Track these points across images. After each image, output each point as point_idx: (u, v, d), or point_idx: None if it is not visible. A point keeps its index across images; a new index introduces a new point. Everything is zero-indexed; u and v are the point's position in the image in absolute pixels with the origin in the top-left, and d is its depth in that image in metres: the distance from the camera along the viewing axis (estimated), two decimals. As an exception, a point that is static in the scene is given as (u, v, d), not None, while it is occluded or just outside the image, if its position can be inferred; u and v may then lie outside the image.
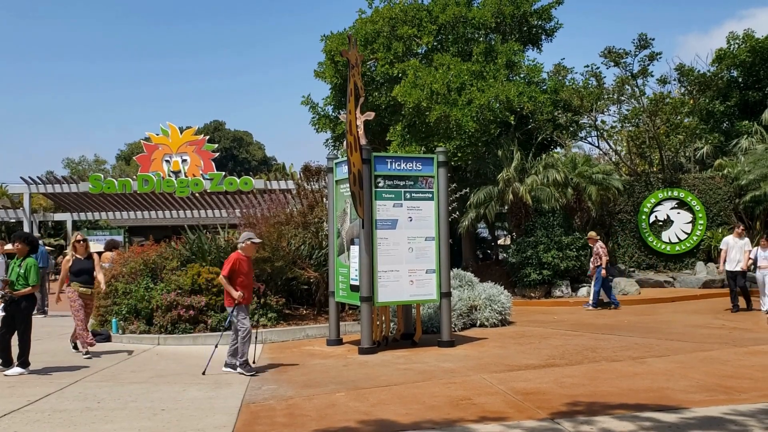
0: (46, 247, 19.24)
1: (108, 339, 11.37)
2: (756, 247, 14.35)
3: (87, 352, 9.79)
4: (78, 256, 10.02)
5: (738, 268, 14.30)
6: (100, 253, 11.04)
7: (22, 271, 8.55)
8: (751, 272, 14.78)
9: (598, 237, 16.54)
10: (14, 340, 8.64)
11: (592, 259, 15.92)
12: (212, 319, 11.23)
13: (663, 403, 6.33)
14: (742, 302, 14.55)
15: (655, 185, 20.86)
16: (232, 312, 8.59)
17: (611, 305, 15.45)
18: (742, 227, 14.90)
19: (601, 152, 24.81)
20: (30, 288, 8.53)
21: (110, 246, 15.03)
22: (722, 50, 22.27)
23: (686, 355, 9.12)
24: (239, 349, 8.51)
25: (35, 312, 14.20)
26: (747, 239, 14.66)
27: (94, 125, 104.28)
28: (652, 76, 21.18)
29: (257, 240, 9.14)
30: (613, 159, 24.56)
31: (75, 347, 10.22)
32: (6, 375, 8.35)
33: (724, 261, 14.51)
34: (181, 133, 28.84)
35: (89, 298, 10.11)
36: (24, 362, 8.53)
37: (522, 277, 17.97)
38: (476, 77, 18.72)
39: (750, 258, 14.24)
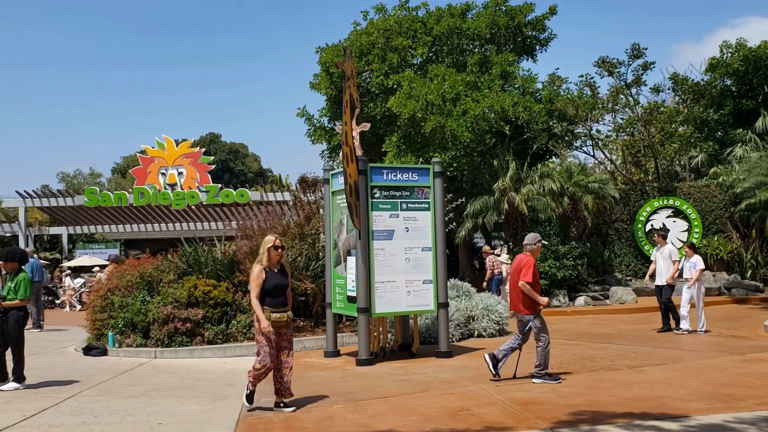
0: (42, 261, 19.15)
1: (104, 353, 11.31)
2: (683, 258, 12.96)
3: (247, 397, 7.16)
4: (271, 267, 7.20)
5: (662, 282, 12.70)
6: (103, 267, 11.03)
7: (12, 285, 8.53)
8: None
9: (491, 251, 18.14)
10: (9, 355, 8.59)
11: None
12: (209, 331, 11.18)
13: (662, 412, 6.32)
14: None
15: (650, 194, 20.94)
16: (533, 320, 8.14)
17: None
18: (658, 235, 13.44)
19: (596, 161, 24.94)
20: (18, 301, 8.48)
21: (114, 261, 15.06)
22: (715, 59, 22.43)
23: (684, 363, 9.12)
24: (541, 360, 8.07)
25: (31, 327, 14.20)
26: (671, 247, 12.97)
27: (89, 138, 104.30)
28: (646, 85, 21.37)
29: (544, 241, 8.76)
30: (609, 168, 24.67)
31: (280, 405, 7.07)
32: (1, 390, 8.29)
33: (651, 275, 13.19)
34: (176, 145, 28.87)
35: (285, 327, 7.10)
36: (19, 377, 8.48)
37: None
38: (471, 88, 18.80)
39: (677, 269, 12.69)
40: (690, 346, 10.68)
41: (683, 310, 12.41)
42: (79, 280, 25.19)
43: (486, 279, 17.33)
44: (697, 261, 12.55)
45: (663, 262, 12.74)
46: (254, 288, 7.05)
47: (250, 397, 7.12)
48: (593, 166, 25.56)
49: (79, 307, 23.80)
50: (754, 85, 22.23)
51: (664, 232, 14.00)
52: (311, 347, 11.38)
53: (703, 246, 19.95)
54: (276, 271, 7.17)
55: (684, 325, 12.29)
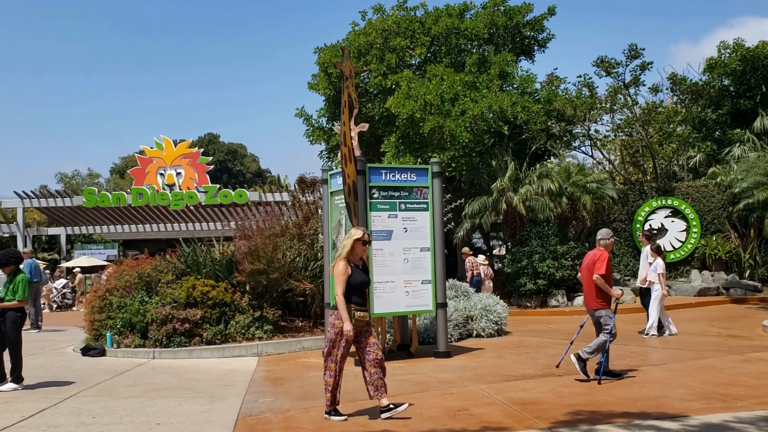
0: (40, 262, 19.13)
1: (102, 353, 11.30)
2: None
3: (331, 412, 6.57)
4: (354, 262, 6.65)
5: (643, 285, 12.40)
6: (103, 267, 11.00)
7: (11, 286, 8.51)
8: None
9: (471, 253, 18.26)
10: (7, 356, 8.58)
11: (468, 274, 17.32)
12: (208, 332, 11.18)
13: (661, 412, 6.32)
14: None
15: (649, 194, 20.94)
16: (605, 313, 8.02)
17: None
18: (643, 235, 13.26)
19: (594, 161, 24.94)
20: (16, 302, 8.47)
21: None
22: (713, 59, 22.44)
23: (682, 363, 9.12)
24: (594, 348, 7.93)
25: (29, 327, 14.18)
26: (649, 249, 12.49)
27: (88, 139, 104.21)
28: (644, 85, 21.37)
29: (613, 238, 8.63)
30: (607, 168, 24.68)
31: (332, 413, 6.57)
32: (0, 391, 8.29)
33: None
34: (175, 146, 28.88)
35: (366, 325, 6.58)
36: (17, 378, 8.47)
37: (518, 286, 17.97)
38: (469, 88, 18.80)
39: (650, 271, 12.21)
40: (689, 346, 10.68)
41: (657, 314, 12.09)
42: (61, 281, 25.25)
43: (468, 280, 17.43)
44: (658, 265, 12.15)
45: (642, 263, 12.58)
46: (340, 284, 6.46)
47: (333, 412, 6.49)
48: (591, 166, 25.58)
49: (54, 306, 23.88)
50: (752, 85, 22.24)
51: (648, 232, 13.79)
52: (310, 347, 11.38)
53: (701, 246, 19.96)
54: (359, 267, 6.66)
55: (672, 329, 12.01)
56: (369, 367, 6.47)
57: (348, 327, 6.33)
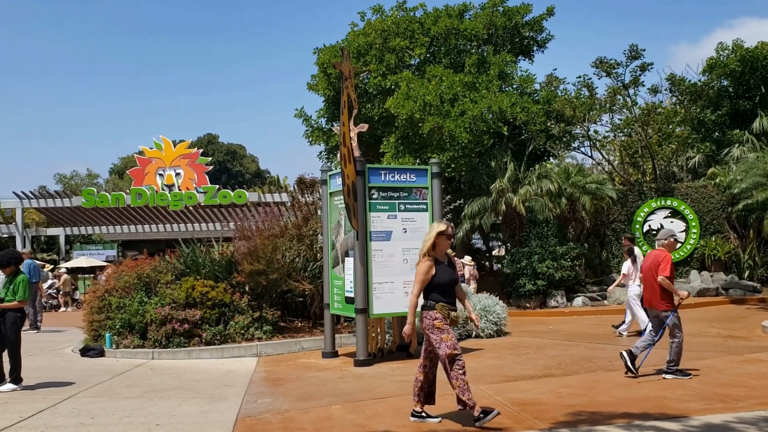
0: (38, 262, 19.11)
1: (101, 354, 11.28)
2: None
3: (480, 415, 5.91)
4: (439, 258, 6.18)
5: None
6: (102, 268, 10.93)
7: (11, 287, 8.51)
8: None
9: (454, 254, 18.17)
10: (6, 356, 8.56)
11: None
12: (207, 332, 11.17)
13: (662, 412, 6.31)
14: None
15: (648, 194, 20.94)
16: (671, 315, 8.02)
17: None
18: (625, 238, 13.51)
19: (594, 162, 24.93)
20: (16, 302, 8.46)
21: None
22: (712, 59, 22.44)
23: (682, 363, 9.09)
24: (674, 356, 7.93)
25: (28, 328, 14.16)
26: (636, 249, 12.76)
27: (87, 139, 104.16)
28: (644, 86, 21.35)
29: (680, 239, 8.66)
30: (606, 169, 24.66)
31: (419, 415, 6.31)
32: (-2, 391, 8.28)
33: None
34: (174, 146, 28.85)
35: (455, 326, 6.32)
36: (16, 378, 8.45)
37: (517, 287, 17.97)
38: (469, 88, 18.80)
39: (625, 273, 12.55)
40: (688, 346, 10.63)
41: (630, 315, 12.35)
42: (48, 282, 25.19)
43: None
44: (623, 266, 12.62)
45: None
46: (419, 283, 6.01)
47: (483, 414, 5.86)
48: (591, 166, 25.55)
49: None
50: (751, 86, 22.25)
51: (631, 235, 13.83)
52: (309, 348, 11.37)
53: (700, 246, 19.96)
54: (445, 263, 6.14)
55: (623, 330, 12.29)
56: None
57: (408, 330, 6.07)
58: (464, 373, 5.97)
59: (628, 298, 12.20)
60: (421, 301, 6.15)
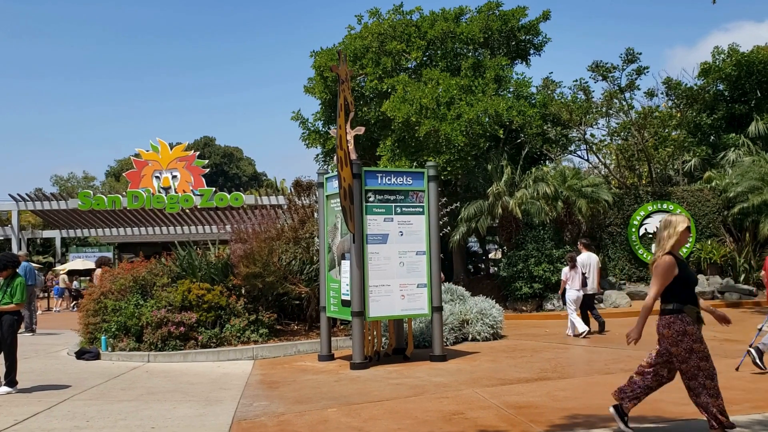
0: (34, 265, 19.07)
1: (97, 357, 11.26)
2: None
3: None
4: (676, 254, 5.44)
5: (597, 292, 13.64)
6: (92, 270, 10.98)
7: (8, 289, 8.49)
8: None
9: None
10: (1, 359, 8.54)
11: None
12: (203, 335, 11.15)
13: (658, 415, 6.32)
14: (594, 325, 13.18)
15: (644, 198, 20.98)
16: None
17: None
18: (581, 243, 13.91)
19: (590, 165, 24.98)
20: (14, 305, 8.45)
21: (100, 263, 14.97)
22: (708, 64, 22.52)
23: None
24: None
25: (23, 330, 14.12)
26: (581, 257, 13.42)
27: (83, 142, 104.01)
28: (640, 89, 21.46)
29: None
30: (603, 172, 24.71)
31: (628, 416, 5.84)
32: (-7, 394, 8.25)
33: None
34: (171, 149, 28.85)
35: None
36: (11, 381, 8.43)
37: (513, 290, 17.98)
38: (465, 92, 18.82)
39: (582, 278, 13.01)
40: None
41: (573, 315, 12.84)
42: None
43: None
44: (564, 271, 13.20)
45: (592, 270, 13.28)
46: (660, 284, 5.29)
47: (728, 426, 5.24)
48: (587, 170, 25.59)
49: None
50: (747, 90, 22.33)
51: (587, 241, 14.21)
52: (305, 351, 11.36)
53: (696, 250, 20.00)
54: (681, 260, 5.41)
55: (581, 328, 12.59)
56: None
57: (634, 335, 5.48)
58: (713, 379, 5.31)
59: (567, 303, 12.79)
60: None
